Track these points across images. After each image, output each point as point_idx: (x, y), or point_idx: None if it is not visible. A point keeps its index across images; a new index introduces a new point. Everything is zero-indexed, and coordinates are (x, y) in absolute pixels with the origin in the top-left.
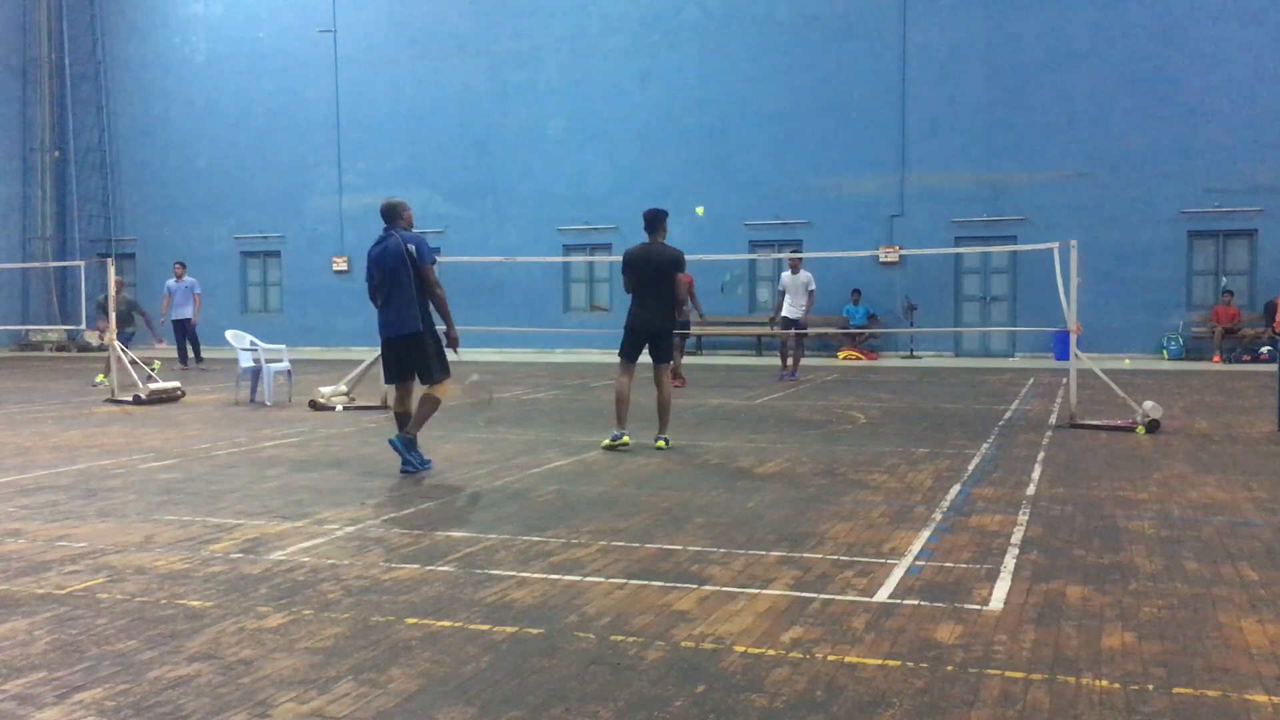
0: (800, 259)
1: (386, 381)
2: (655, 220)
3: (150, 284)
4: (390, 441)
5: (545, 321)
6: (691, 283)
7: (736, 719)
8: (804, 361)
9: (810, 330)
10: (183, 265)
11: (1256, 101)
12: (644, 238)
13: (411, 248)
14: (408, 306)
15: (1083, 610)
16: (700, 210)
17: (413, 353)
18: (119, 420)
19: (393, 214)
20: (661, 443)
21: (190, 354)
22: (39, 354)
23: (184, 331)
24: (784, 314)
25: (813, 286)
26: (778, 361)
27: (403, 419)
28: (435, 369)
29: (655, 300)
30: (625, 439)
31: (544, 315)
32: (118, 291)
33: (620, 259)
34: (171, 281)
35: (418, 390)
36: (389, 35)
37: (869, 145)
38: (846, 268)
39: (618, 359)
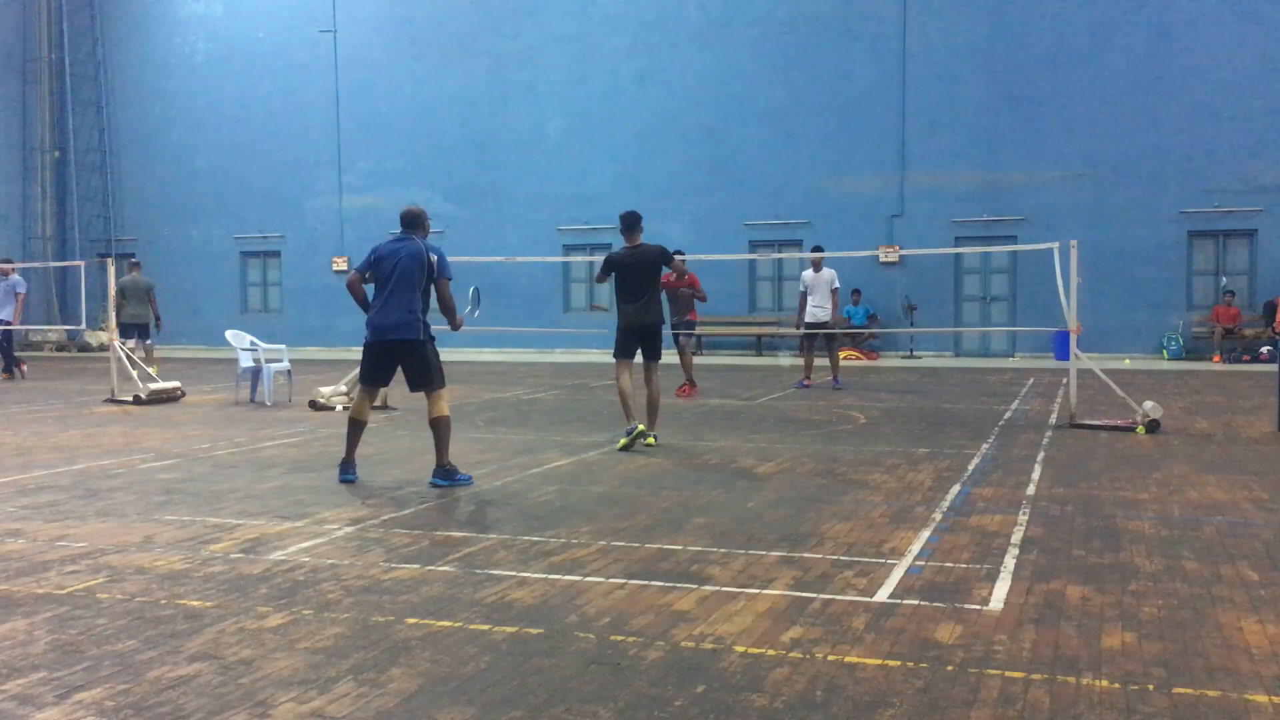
0: (822, 256)
1: (363, 381)
2: (636, 221)
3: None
4: (432, 483)
5: (545, 321)
6: (696, 281)
7: (736, 719)
8: (811, 362)
9: (831, 327)
10: (9, 261)
11: (1256, 101)
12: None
13: (434, 257)
14: (410, 312)
15: (1083, 610)
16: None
17: (410, 360)
18: (119, 420)
19: (416, 222)
20: (651, 439)
21: (11, 363)
22: (39, 354)
23: (10, 336)
24: (806, 319)
25: (836, 284)
26: (777, 361)
27: (359, 427)
28: (436, 378)
29: (648, 299)
30: (640, 428)
31: (544, 315)
32: (129, 272)
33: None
34: None
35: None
36: (389, 35)
37: (869, 145)
38: (846, 268)
39: (614, 360)
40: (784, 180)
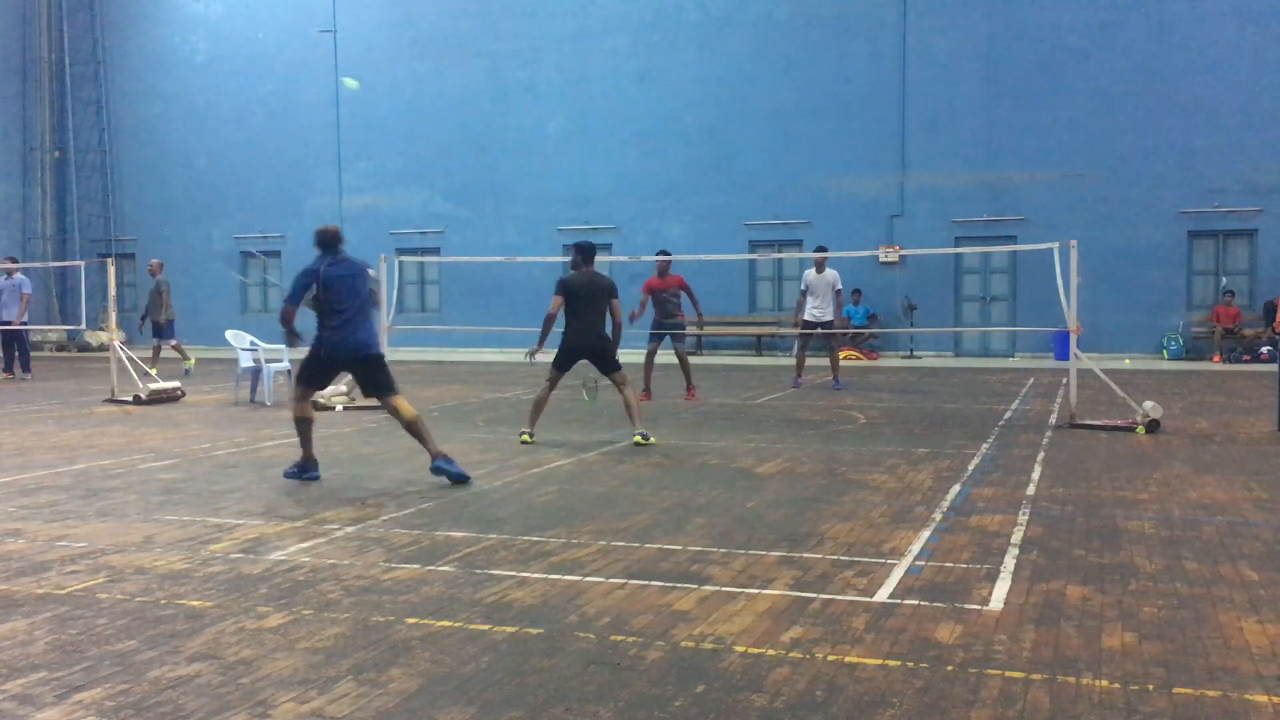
0: (826, 257)
1: (306, 383)
2: (592, 251)
3: (149, 284)
4: (443, 472)
5: None
6: (684, 283)
7: (736, 719)
8: (807, 361)
9: (834, 328)
10: (13, 260)
11: (1256, 101)
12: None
13: (372, 271)
14: (369, 326)
15: (1083, 610)
16: (352, 84)
17: (371, 370)
18: (119, 420)
19: (338, 241)
20: (639, 438)
21: (18, 363)
22: (39, 354)
23: (10, 336)
24: (806, 317)
25: (839, 286)
26: (778, 361)
27: (309, 424)
28: (394, 382)
29: (598, 322)
30: (526, 436)
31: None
32: (155, 275)
33: (568, 277)
34: (2, 278)
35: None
36: (389, 35)
37: (869, 145)
38: (846, 268)
39: (550, 366)
40: (784, 180)
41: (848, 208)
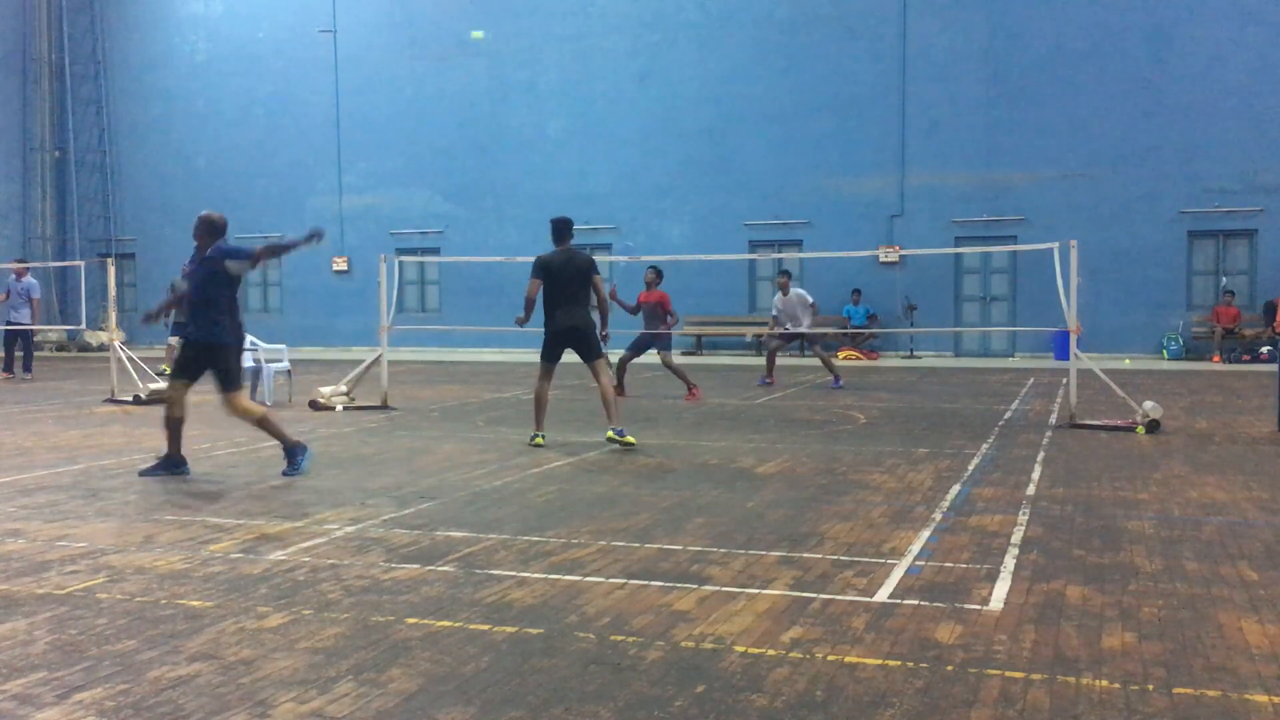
0: (788, 277)
1: (181, 377)
2: (569, 228)
3: (151, 284)
4: (293, 465)
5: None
6: (663, 300)
7: (736, 719)
8: (804, 362)
9: (808, 331)
10: (21, 261)
11: (1256, 101)
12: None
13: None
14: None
15: (1083, 610)
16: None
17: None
18: (119, 420)
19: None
20: (611, 433)
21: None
22: (39, 354)
23: (16, 337)
24: (786, 327)
25: (810, 300)
26: (779, 361)
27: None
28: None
29: (579, 302)
30: (540, 439)
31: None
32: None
33: (536, 260)
34: (11, 279)
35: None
36: (389, 35)
37: (869, 145)
38: (846, 268)
39: (539, 363)
40: (784, 180)
41: (848, 208)
